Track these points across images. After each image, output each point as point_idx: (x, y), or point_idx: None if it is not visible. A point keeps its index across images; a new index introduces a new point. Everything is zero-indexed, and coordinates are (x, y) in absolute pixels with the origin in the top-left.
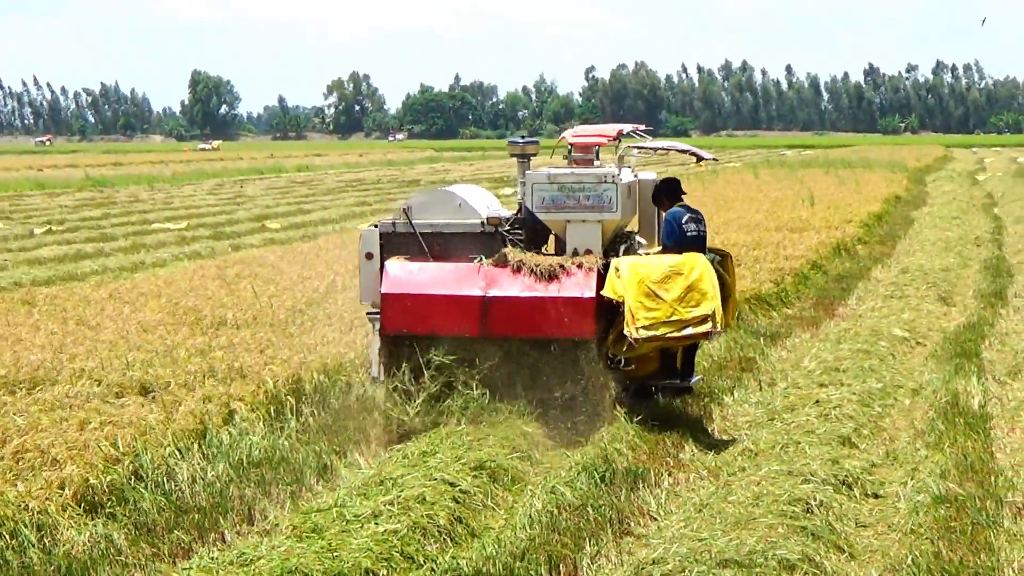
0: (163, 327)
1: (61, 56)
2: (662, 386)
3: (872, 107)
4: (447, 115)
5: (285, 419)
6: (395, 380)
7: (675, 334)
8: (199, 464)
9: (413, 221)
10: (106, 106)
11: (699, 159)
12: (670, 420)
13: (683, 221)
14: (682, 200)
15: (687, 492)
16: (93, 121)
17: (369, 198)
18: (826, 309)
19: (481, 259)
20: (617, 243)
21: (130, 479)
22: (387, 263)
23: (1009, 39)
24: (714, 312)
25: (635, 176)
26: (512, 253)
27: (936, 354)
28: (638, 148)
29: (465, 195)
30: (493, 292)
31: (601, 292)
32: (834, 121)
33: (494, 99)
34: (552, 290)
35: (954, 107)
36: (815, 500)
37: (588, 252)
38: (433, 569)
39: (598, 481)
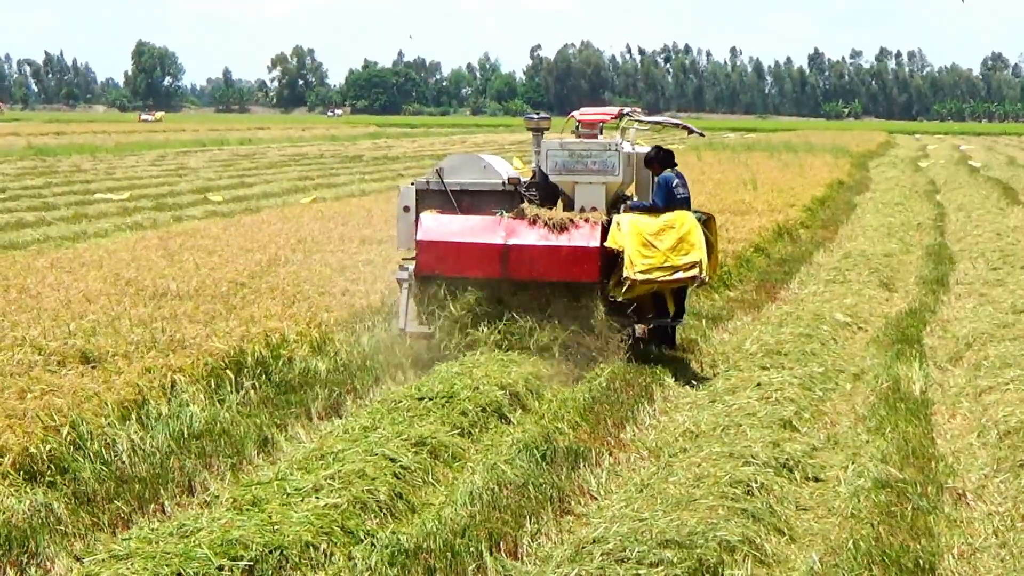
0: (105, 297)
1: (4, 25)
2: (655, 324)
3: (816, 92)
4: (390, 91)
5: (226, 391)
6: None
7: (667, 278)
8: (139, 435)
9: (444, 180)
10: (49, 75)
11: (689, 132)
12: (611, 399)
13: (673, 185)
14: (674, 167)
15: (628, 472)
16: (36, 90)
17: (312, 172)
18: (768, 292)
19: (502, 213)
20: (618, 203)
21: (70, 448)
22: (422, 215)
23: (953, 27)
24: (700, 261)
25: (634, 148)
26: (529, 208)
27: (878, 339)
28: (638, 122)
29: (489, 160)
30: (512, 241)
31: (605, 243)
32: (777, 105)
33: (438, 76)
34: (563, 240)
35: (897, 94)
36: (756, 482)
37: (594, 209)
38: (373, 544)
39: (539, 460)
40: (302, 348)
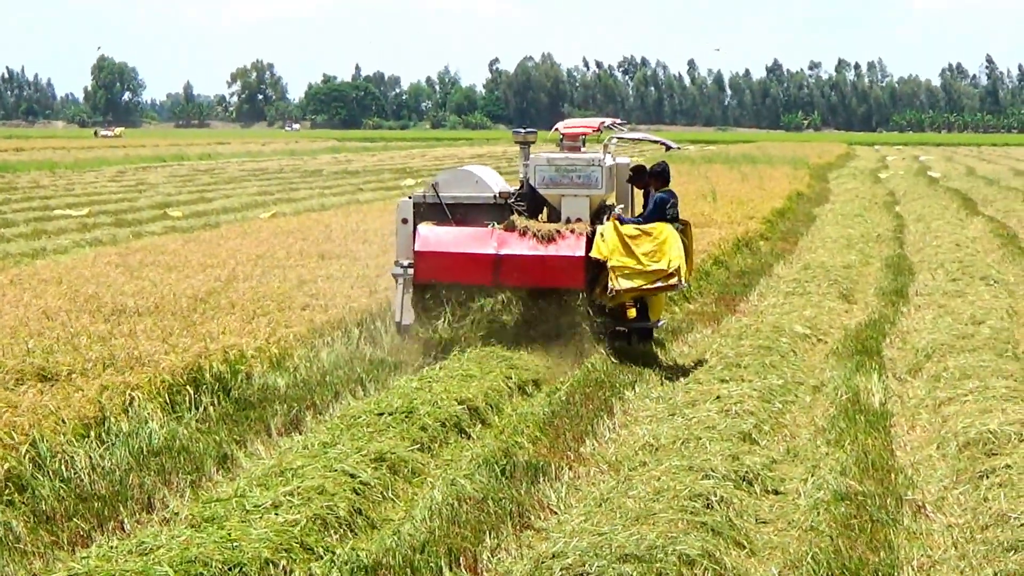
0: (64, 314)
1: None
2: (636, 327)
3: (776, 103)
4: (350, 105)
5: (185, 408)
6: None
7: (648, 286)
8: (98, 452)
9: (439, 194)
10: (8, 92)
11: (667, 148)
12: (571, 413)
13: (667, 207)
14: (668, 184)
15: (587, 486)
16: None
17: (271, 187)
18: (728, 305)
19: (494, 225)
20: (600, 213)
21: (29, 466)
22: (419, 227)
23: (912, 38)
24: (679, 268)
25: (615, 160)
26: (519, 220)
27: (837, 351)
28: (618, 138)
29: (481, 174)
30: (504, 251)
31: (589, 253)
32: (737, 117)
33: (397, 90)
34: (551, 249)
35: (857, 105)
36: (715, 496)
37: (579, 220)
38: (333, 560)
39: (498, 474)
40: (261, 364)
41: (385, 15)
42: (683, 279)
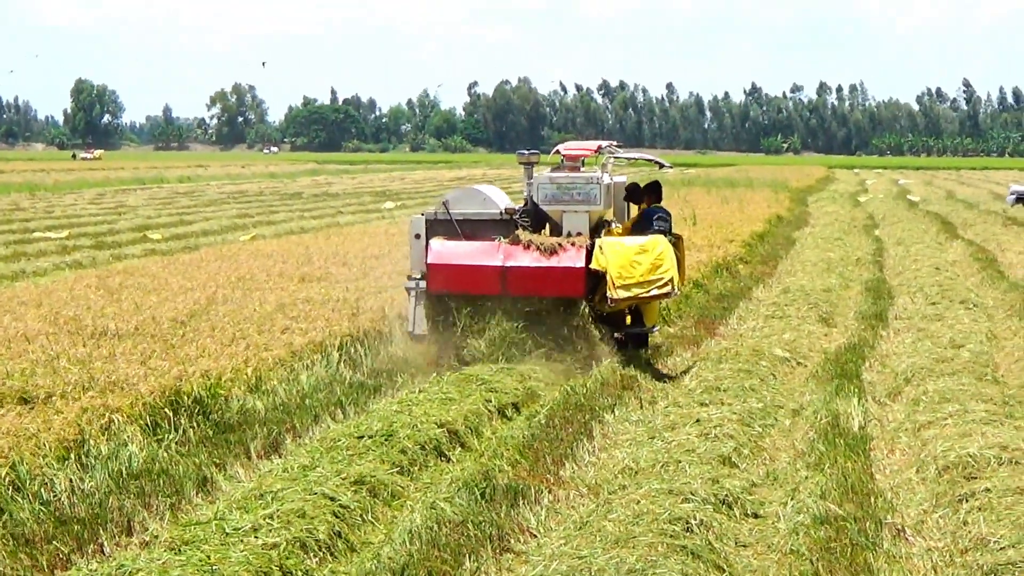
0: (44, 336)
1: None
2: (632, 333)
3: (755, 127)
4: (330, 128)
5: (165, 431)
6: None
7: (644, 294)
8: (78, 475)
9: (450, 211)
10: None
11: (660, 166)
12: (551, 436)
13: (655, 218)
14: (661, 200)
15: (567, 509)
16: None
17: (251, 210)
18: (707, 328)
19: (500, 239)
20: (599, 228)
21: (8, 489)
22: (431, 241)
23: (892, 61)
24: (672, 279)
25: (612, 179)
26: (523, 234)
27: (817, 375)
28: (615, 157)
29: (488, 192)
30: (510, 263)
31: (589, 264)
32: (717, 140)
33: (377, 112)
34: (553, 261)
35: (837, 128)
36: (695, 519)
37: (579, 234)
38: None
39: (478, 497)
40: (240, 387)
41: (365, 39)
42: (676, 288)
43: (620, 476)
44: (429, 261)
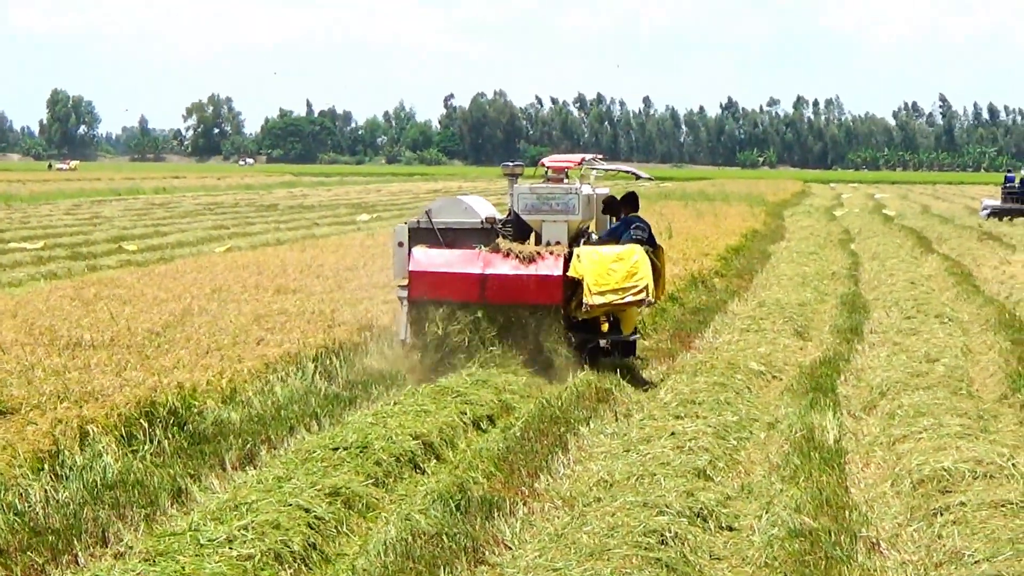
0: (19, 347)
1: None
2: (619, 341)
3: (731, 140)
4: (306, 140)
5: (140, 442)
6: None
7: (619, 300)
8: (52, 485)
9: (432, 220)
10: None
11: (637, 177)
12: (525, 448)
13: (632, 227)
14: (638, 211)
15: (542, 522)
16: None
17: (227, 221)
18: (682, 341)
19: (480, 247)
20: (578, 237)
21: None
22: (413, 249)
23: (869, 76)
24: (647, 286)
25: (594, 191)
26: (503, 243)
27: (792, 388)
28: (595, 169)
29: (470, 202)
30: (489, 270)
31: (567, 272)
32: (693, 154)
33: (353, 124)
34: (531, 269)
35: (813, 142)
36: (670, 532)
37: (558, 243)
38: None
39: (453, 509)
40: (215, 398)
41: (340, 50)
42: (650, 295)
43: (595, 489)
44: (410, 268)
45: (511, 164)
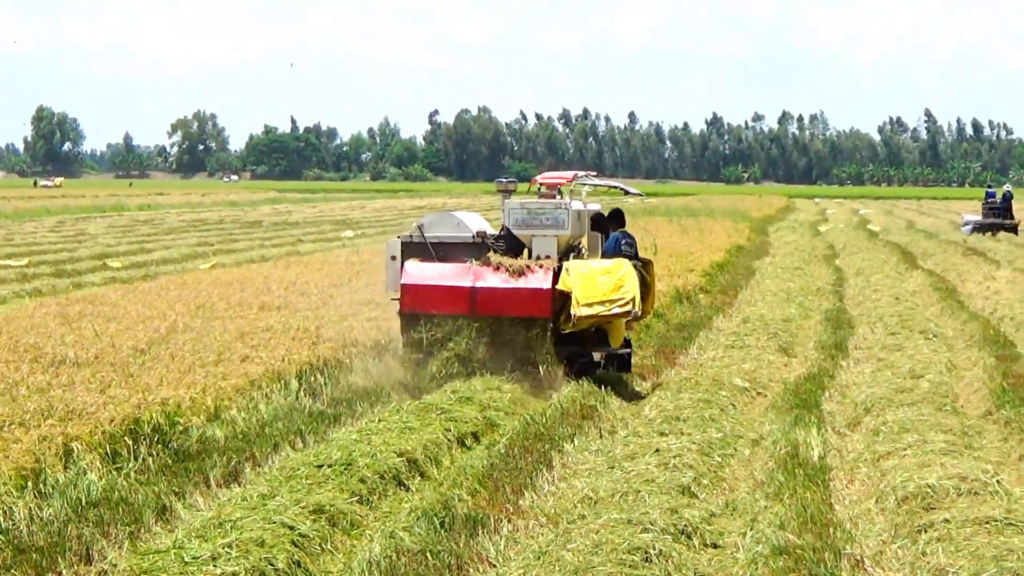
0: (3, 364)
1: None
2: (606, 354)
3: (716, 156)
4: (291, 156)
5: (124, 459)
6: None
7: (606, 312)
8: (36, 504)
9: (425, 234)
10: None
11: (626, 193)
12: (510, 465)
13: (621, 244)
14: (625, 226)
15: (526, 539)
16: None
17: (211, 238)
18: (667, 357)
19: (472, 261)
20: (569, 252)
21: None
22: (406, 263)
23: (854, 91)
24: (634, 299)
25: (585, 206)
26: (493, 257)
27: (776, 405)
28: (585, 185)
29: (462, 217)
30: (479, 284)
31: (556, 286)
32: (677, 169)
33: (338, 141)
34: (521, 283)
35: (797, 158)
36: (654, 549)
37: (547, 257)
38: None
39: (437, 527)
40: (199, 416)
41: (325, 67)
42: (637, 308)
43: (579, 506)
44: (402, 282)
45: (504, 180)
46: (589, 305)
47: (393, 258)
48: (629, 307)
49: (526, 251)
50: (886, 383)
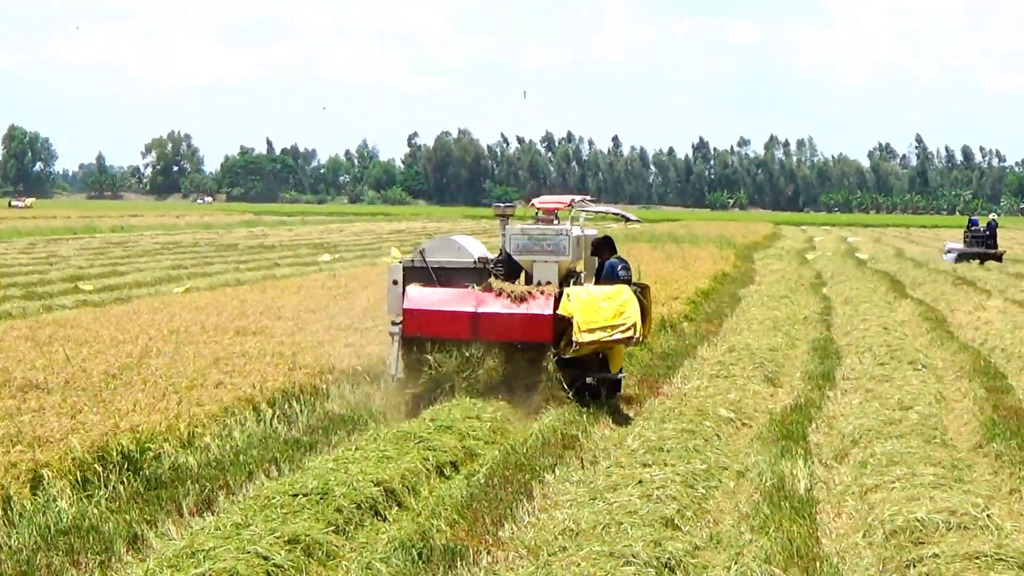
0: None
1: None
2: (598, 378)
3: (701, 182)
4: (267, 178)
5: (95, 486)
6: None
7: (607, 338)
8: (5, 531)
9: (426, 259)
10: None
11: (626, 220)
12: (490, 496)
13: (618, 269)
14: (616, 253)
15: (506, 572)
16: None
17: (185, 261)
18: (650, 387)
19: (473, 286)
20: (568, 278)
21: None
22: (408, 287)
23: (841, 117)
24: (635, 324)
25: (583, 232)
26: (495, 282)
27: (762, 436)
28: (584, 211)
29: (463, 242)
30: (481, 309)
31: (557, 311)
32: (662, 195)
33: (315, 163)
34: (522, 308)
35: (784, 184)
36: None
37: (548, 283)
38: None
39: (415, 558)
40: (172, 443)
41: (302, 87)
42: (638, 333)
43: (560, 538)
44: (405, 306)
45: (502, 205)
46: (591, 331)
47: (395, 282)
48: (631, 333)
49: (523, 275)
50: (874, 414)
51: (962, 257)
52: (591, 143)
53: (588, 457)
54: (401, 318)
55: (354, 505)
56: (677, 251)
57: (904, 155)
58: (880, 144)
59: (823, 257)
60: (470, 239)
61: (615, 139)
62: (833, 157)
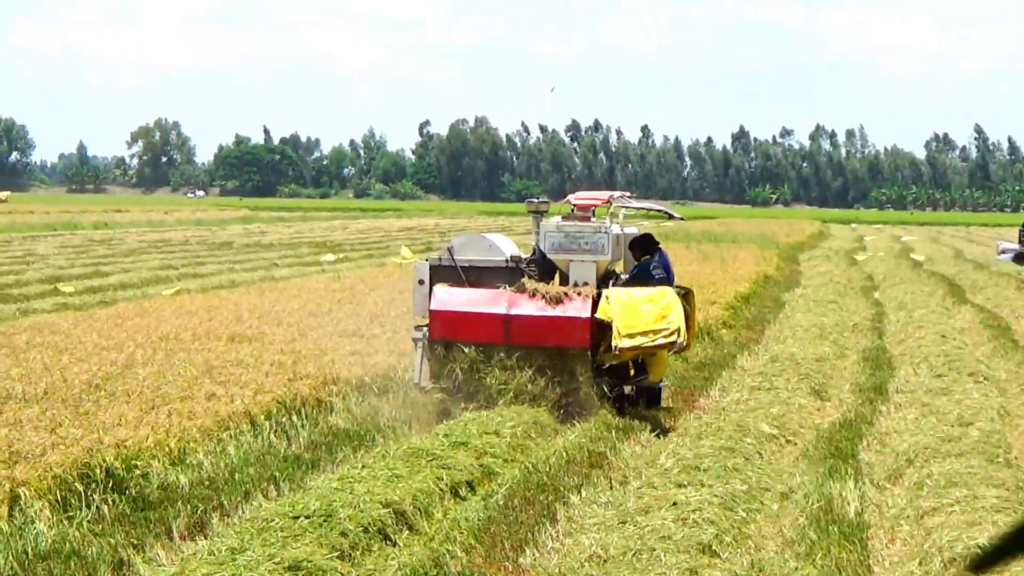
0: None
1: None
2: (644, 388)
3: (741, 175)
4: (264, 170)
5: (76, 507)
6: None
7: (649, 343)
8: None
9: (455, 257)
10: None
11: (670, 217)
12: (509, 519)
13: (651, 268)
14: (656, 251)
15: None
16: None
17: (175, 260)
18: (686, 400)
19: (505, 287)
20: (607, 279)
21: None
22: (435, 288)
23: (895, 104)
24: (679, 328)
25: (622, 230)
26: (528, 283)
27: (808, 454)
28: (625, 207)
29: (494, 239)
30: (514, 311)
31: (595, 314)
32: (697, 189)
33: (317, 154)
34: (558, 311)
35: (832, 178)
36: None
37: (586, 284)
38: None
39: None
40: (161, 460)
41: (302, 73)
42: (682, 338)
43: (587, 565)
44: (432, 307)
45: (536, 200)
46: (631, 336)
47: (421, 282)
48: (674, 338)
49: (558, 275)
50: (931, 431)
51: (1020, 257)
52: (619, 133)
53: (617, 477)
54: (427, 321)
55: (361, 528)
56: (715, 251)
57: (963, 147)
58: (937, 135)
59: (875, 258)
60: (501, 236)
61: (644, 128)
62: (885, 149)
